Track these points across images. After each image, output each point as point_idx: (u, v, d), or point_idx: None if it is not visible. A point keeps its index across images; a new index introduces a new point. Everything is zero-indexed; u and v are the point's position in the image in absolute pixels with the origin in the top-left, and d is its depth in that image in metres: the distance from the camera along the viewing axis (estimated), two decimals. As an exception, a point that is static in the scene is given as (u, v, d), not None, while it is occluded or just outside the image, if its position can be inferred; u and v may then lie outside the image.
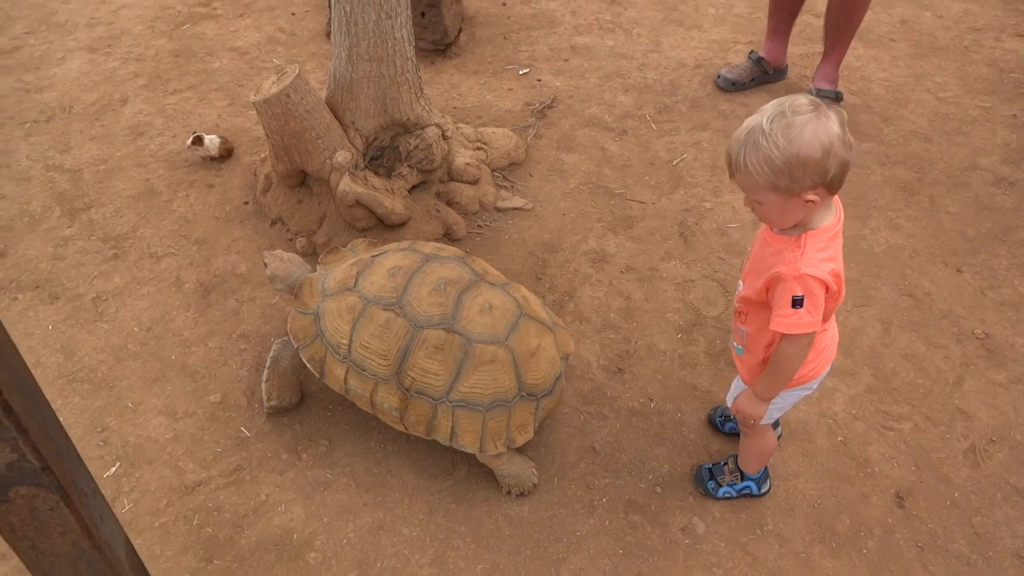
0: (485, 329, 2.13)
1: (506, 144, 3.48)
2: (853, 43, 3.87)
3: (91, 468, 2.34)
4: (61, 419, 2.44)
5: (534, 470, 2.29)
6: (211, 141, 3.49)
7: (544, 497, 2.29)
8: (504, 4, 4.88)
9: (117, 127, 3.80)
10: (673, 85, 4.08)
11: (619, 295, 2.90)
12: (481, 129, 3.53)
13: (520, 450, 2.32)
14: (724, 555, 2.14)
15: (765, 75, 4.03)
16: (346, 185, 2.86)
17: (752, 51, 4.07)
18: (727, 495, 2.23)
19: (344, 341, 2.20)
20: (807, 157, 1.45)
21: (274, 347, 2.43)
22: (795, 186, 1.49)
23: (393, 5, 2.79)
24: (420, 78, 3.08)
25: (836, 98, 3.78)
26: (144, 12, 4.79)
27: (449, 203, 3.18)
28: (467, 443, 2.15)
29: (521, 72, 4.21)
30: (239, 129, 3.76)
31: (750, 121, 1.52)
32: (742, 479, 2.21)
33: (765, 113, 1.50)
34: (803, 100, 1.49)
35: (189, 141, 3.46)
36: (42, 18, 4.75)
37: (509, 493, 2.27)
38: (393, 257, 2.30)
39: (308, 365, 2.28)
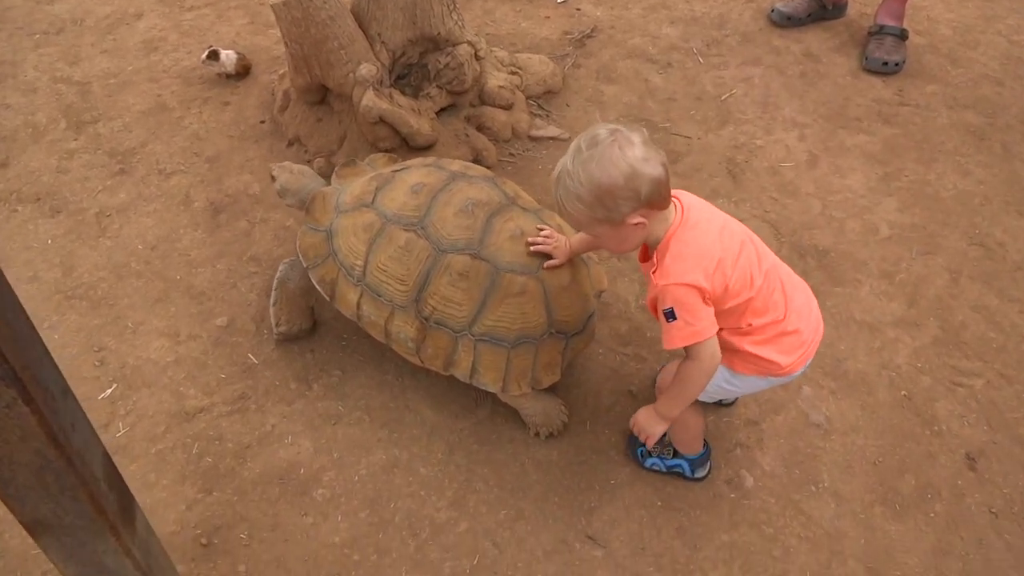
0: (515, 257, 1.92)
1: (542, 71, 3.22)
2: (921, -20, 3.56)
3: (86, 390, 2.17)
4: (56, 337, 2.27)
5: (563, 408, 2.09)
6: (227, 56, 3.26)
7: (575, 441, 2.09)
8: (543, -69, 4.57)
9: (130, 41, 3.57)
10: (722, 18, 3.78)
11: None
12: (516, 55, 3.28)
13: (549, 389, 2.11)
14: (774, 512, 1.94)
15: (823, 10, 3.72)
16: (370, 100, 2.63)
17: (810, -16, 3.76)
18: (655, 467, 2.02)
19: (359, 262, 2.00)
20: (611, 186, 1.46)
21: (281, 267, 2.23)
22: (614, 215, 1.50)
23: (427, -99, 2.53)
24: (453, -11, 2.82)
25: (901, 35, 3.47)
26: (163, -72, 4.53)
27: (479, 128, 2.95)
28: (489, 381, 1.95)
29: (559, 0, 3.92)
30: (258, 47, 3.53)
31: (560, 162, 1.53)
32: (675, 454, 1.99)
33: (569, 152, 1.51)
34: (600, 130, 1.49)
35: (204, 55, 3.23)
36: (56, -70, 4.50)
37: (537, 435, 2.07)
38: (416, 173, 2.08)
39: (318, 287, 2.08)
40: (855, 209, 2.77)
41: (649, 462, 2.01)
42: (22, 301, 1.03)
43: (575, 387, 2.21)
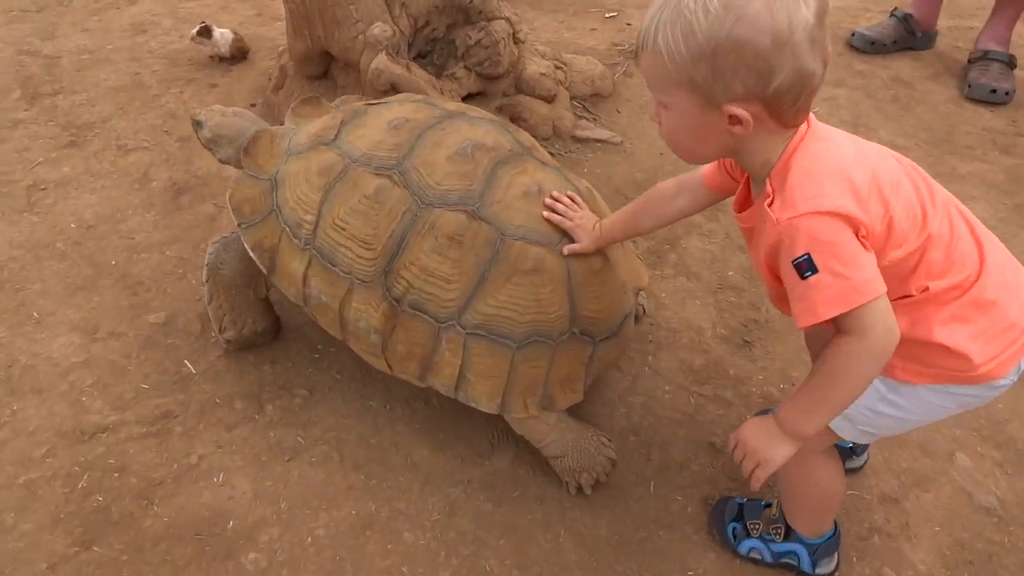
0: (529, 221, 1.37)
1: (590, 70, 2.71)
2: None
3: (-48, 391, 1.56)
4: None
5: (605, 441, 1.47)
6: (222, 36, 2.79)
7: (633, 508, 1.44)
8: (588, -42, 4.19)
9: (117, 23, 3.12)
10: (794, 43, 3.29)
11: (741, 250, 2.07)
12: (560, 54, 2.78)
13: (574, 415, 1.49)
14: (944, 637, 1.26)
15: (911, 37, 3.24)
16: (381, 62, 2.10)
17: (896, 8, 3.30)
18: (756, 554, 1.36)
19: (308, 217, 1.43)
20: (745, 41, 0.91)
21: (210, 249, 1.63)
22: (717, 86, 0.95)
23: None
24: (492, -51, 2.34)
25: (1009, 62, 2.97)
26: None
27: (514, 120, 2.41)
28: (481, 394, 1.35)
29: (607, 15, 3.47)
30: (261, 38, 3.06)
31: None
32: (786, 536, 1.34)
33: None
34: None
35: (194, 31, 2.76)
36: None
37: (579, 489, 1.43)
38: (398, 108, 1.54)
39: (252, 254, 1.49)
40: (985, 240, 2.17)
41: (747, 545, 1.35)
42: None
43: (631, 433, 1.57)
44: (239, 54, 2.84)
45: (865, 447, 1.49)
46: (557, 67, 2.62)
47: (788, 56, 0.91)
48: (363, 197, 1.38)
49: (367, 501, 1.42)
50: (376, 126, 1.47)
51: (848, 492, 1.48)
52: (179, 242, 1.99)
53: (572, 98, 2.63)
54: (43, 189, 2.16)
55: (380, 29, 2.15)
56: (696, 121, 0.99)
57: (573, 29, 3.31)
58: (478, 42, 2.35)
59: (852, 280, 0.92)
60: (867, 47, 3.21)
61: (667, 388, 1.67)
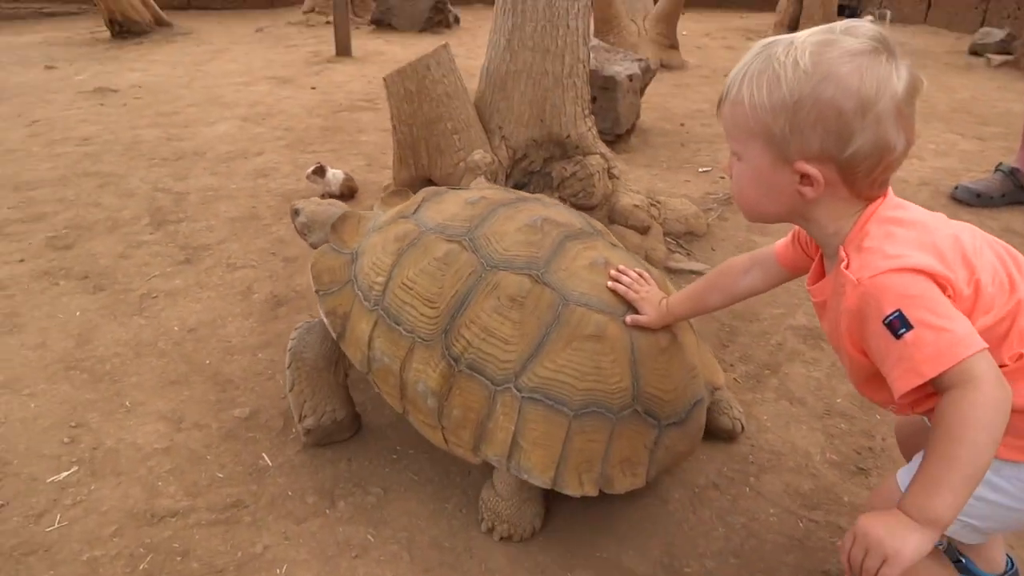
0: (592, 290, 1.35)
1: (683, 210, 2.74)
2: None
3: (37, 469, 1.56)
4: (32, 406, 1.68)
5: (541, 513, 1.42)
6: (334, 176, 3.00)
7: (736, 638, 1.25)
8: (682, 125, 4.39)
9: (243, 169, 3.42)
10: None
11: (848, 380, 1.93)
12: (654, 195, 2.83)
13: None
14: None
15: (1020, 192, 3.15)
16: (479, 183, 2.18)
17: (1000, 163, 3.24)
18: None
19: (379, 279, 1.46)
20: (829, 99, 0.91)
21: (293, 335, 1.66)
22: (793, 141, 0.94)
23: (572, -14, 2.26)
24: (589, 90, 2.46)
25: None
26: (307, 102, 4.68)
27: (606, 248, 2.42)
28: (534, 465, 1.27)
29: (701, 170, 3.56)
30: (370, 182, 3.27)
31: (784, 35, 0.99)
32: None
33: (812, 29, 0.96)
34: (867, 26, 0.95)
35: (310, 171, 2.98)
36: (210, 98, 4.73)
37: (490, 531, 1.40)
38: (478, 191, 1.63)
39: (325, 320, 1.53)
40: None
41: None
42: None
43: (732, 555, 1.40)
44: (348, 192, 3.03)
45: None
46: (651, 204, 2.66)
47: (871, 123, 0.92)
48: (432, 260, 1.41)
49: (435, 606, 1.29)
50: (454, 202, 1.54)
51: (997, 640, 1.25)
52: (271, 346, 2.03)
53: (666, 234, 2.64)
54: (154, 297, 2.27)
55: (480, 156, 2.25)
56: (766, 176, 0.99)
57: (666, 181, 3.39)
58: (573, 174, 2.42)
59: (952, 332, 0.87)
60: (972, 199, 3.13)
61: (772, 511, 1.50)
